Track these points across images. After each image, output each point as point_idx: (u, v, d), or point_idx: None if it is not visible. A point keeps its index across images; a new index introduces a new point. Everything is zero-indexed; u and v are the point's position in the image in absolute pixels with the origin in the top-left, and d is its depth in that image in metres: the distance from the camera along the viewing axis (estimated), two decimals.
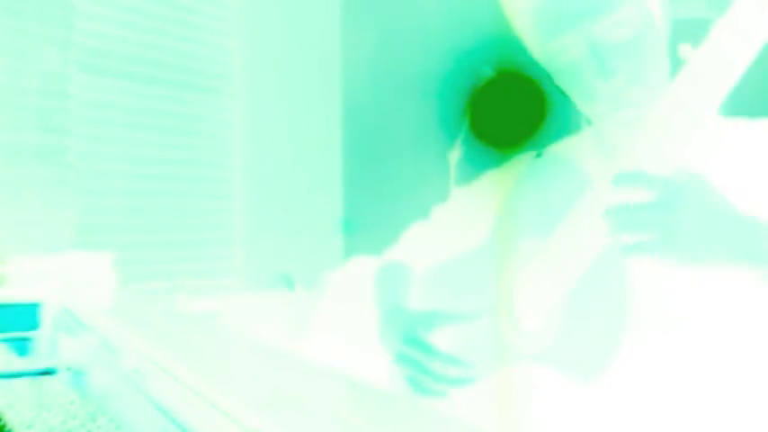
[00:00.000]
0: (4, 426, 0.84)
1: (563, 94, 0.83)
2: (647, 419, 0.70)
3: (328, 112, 2.84)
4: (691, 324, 0.71)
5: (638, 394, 0.71)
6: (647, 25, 0.76)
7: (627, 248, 0.66)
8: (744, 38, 0.61)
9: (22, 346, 1.25)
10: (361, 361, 0.94)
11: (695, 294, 0.71)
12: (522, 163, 0.94)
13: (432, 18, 2.36)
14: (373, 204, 2.63)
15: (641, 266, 0.70)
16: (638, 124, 0.74)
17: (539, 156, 0.90)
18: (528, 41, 0.83)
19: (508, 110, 0.88)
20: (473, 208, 0.96)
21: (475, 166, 1.00)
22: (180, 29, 2.48)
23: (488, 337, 0.82)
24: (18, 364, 1.18)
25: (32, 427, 0.81)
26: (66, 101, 2.18)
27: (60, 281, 1.32)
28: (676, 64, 0.67)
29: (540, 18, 0.78)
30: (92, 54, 2.24)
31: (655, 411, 0.70)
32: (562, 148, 0.92)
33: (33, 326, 1.26)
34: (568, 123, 0.90)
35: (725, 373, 0.70)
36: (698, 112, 0.65)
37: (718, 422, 0.69)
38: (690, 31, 0.69)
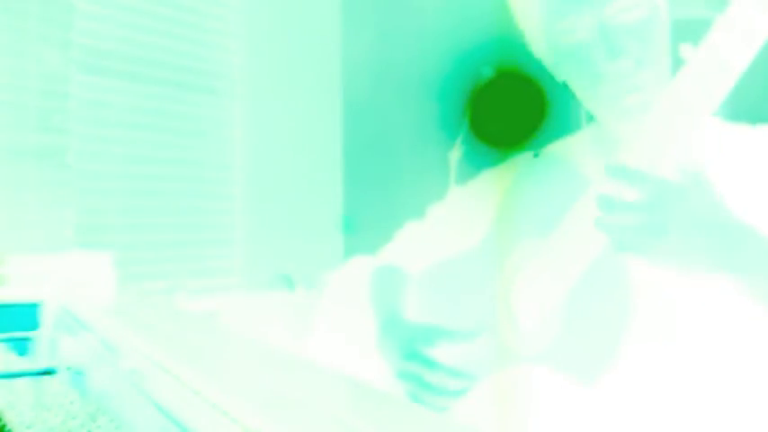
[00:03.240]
0: (4, 426, 0.84)
1: (563, 93, 0.83)
2: (647, 420, 0.70)
3: (328, 112, 2.84)
4: (691, 324, 0.71)
5: (638, 395, 0.71)
6: (654, 13, 0.77)
7: (615, 244, 0.66)
8: (743, 37, 0.61)
9: (22, 346, 1.25)
10: (361, 361, 0.94)
11: (695, 295, 0.71)
12: (520, 162, 0.94)
13: (432, 18, 2.36)
14: (373, 204, 2.63)
15: (640, 266, 0.70)
16: (640, 114, 0.73)
17: (536, 155, 0.90)
18: (531, 26, 0.82)
19: (508, 110, 0.88)
20: (470, 207, 0.96)
21: (475, 165, 1.00)
22: (180, 29, 2.48)
23: (488, 344, 0.81)
24: (18, 364, 1.17)
25: (32, 427, 0.81)
26: (66, 101, 2.18)
27: (60, 281, 1.32)
28: (677, 64, 0.67)
29: None
30: (92, 54, 2.24)
31: (654, 412, 0.70)
32: (561, 148, 0.91)
33: (33, 326, 1.26)
34: (568, 123, 0.90)
35: (724, 373, 0.70)
36: (697, 112, 0.65)
37: (717, 422, 0.69)
38: (690, 30, 0.69)
